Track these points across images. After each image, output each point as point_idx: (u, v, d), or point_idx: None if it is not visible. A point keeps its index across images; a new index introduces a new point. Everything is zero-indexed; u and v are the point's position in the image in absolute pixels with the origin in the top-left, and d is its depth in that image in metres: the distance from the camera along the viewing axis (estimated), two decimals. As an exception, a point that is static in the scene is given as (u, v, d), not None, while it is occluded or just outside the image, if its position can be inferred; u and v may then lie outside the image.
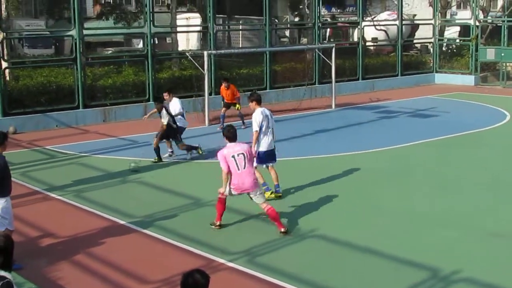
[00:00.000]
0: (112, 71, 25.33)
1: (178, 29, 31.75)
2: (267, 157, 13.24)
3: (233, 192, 11.40)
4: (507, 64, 32.80)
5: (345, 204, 13.15)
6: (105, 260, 10.21)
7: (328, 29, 39.44)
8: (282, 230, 11.21)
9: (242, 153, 11.20)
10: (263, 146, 13.11)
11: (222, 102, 21.74)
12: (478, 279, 9.38)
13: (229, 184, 11.26)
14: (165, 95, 17.76)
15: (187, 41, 36.68)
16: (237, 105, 21.45)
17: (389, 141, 19.01)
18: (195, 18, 35.10)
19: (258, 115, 13.01)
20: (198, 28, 31.63)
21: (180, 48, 31.49)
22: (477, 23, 33.13)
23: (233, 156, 11.16)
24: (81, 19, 22.87)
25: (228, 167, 11.12)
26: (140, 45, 33.32)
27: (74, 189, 14.21)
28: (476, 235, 11.25)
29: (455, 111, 24.89)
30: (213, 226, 11.54)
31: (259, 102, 13.29)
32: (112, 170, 15.74)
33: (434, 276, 9.47)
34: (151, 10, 24.31)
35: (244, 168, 11.16)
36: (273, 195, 13.22)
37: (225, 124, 21.35)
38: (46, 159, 17.38)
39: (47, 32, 34.77)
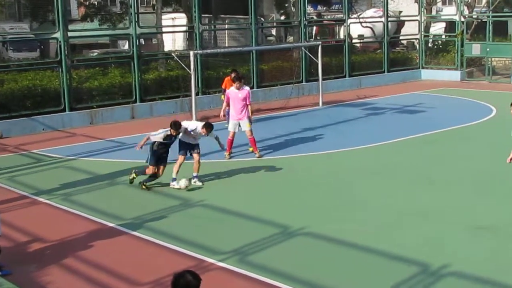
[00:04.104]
0: (98, 73, 25.19)
1: (164, 29, 31.65)
2: None
3: None
4: (493, 59, 32.95)
5: (333, 201, 13.16)
6: (94, 263, 10.16)
7: (314, 27, 39.47)
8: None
9: None
10: None
11: (223, 96, 21.47)
12: (467, 273, 9.42)
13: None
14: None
15: (173, 42, 36.56)
16: None
17: (377, 138, 19.01)
18: (181, 18, 34.97)
19: None
20: (184, 28, 31.54)
21: (166, 49, 31.36)
22: (462, 19, 33.21)
23: None
24: (65, 22, 22.74)
25: None
26: (126, 47, 33.18)
27: (62, 193, 14.13)
28: (463, 229, 11.27)
29: (442, 107, 24.95)
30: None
31: None
32: (100, 173, 15.66)
33: (423, 271, 9.49)
34: (136, 11, 24.23)
35: None
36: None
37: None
38: (33, 163, 17.28)
39: (32, 35, 34.58)
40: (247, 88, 17.31)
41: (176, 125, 14.10)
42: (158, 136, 14.13)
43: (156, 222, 12.00)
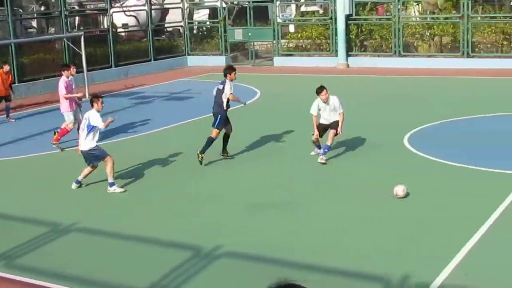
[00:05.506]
0: None
1: None
2: None
3: None
4: (255, 43, 34.14)
5: (105, 194, 12.84)
6: None
7: (77, 17, 38.42)
8: None
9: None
10: None
11: None
12: (239, 252, 9.69)
13: None
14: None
15: None
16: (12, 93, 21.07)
17: (148, 126, 18.97)
18: None
19: None
20: None
21: None
22: (224, 5, 34.04)
23: None
24: None
25: None
26: None
27: None
28: (240, 209, 11.58)
29: (208, 92, 25.27)
30: None
31: None
32: None
33: (196, 254, 9.59)
34: None
35: None
36: None
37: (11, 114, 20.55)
38: None
39: None
40: None
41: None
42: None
43: None
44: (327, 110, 14.35)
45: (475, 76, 26.01)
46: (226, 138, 14.79)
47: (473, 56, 28.84)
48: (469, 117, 18.32)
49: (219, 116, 14.46)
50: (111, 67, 30.35)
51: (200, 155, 14.29)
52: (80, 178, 13.09)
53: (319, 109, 14.41)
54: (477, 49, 29.36)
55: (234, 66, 16.45)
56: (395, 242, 9.91)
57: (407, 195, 11.65)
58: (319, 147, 14.70)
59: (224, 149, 14.89)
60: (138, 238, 10.43)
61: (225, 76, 14.67)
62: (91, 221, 11.27)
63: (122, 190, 12.86)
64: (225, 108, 14.52)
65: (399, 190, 11.64)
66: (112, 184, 12.81)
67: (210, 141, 14.42)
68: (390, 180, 12.96)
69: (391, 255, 9.40)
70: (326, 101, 14.24)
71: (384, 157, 14.66)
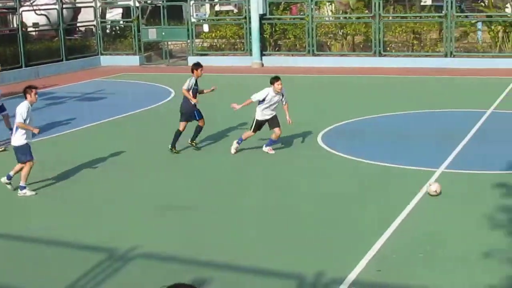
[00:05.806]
0: None
1: None
2: None
3: None
4: (169, 43, 33.91)
5: (22, 199, 12.44)
6: None
7: (-16, 17, 37.32)
8: None
9: None
10: None
11: None
12: (154, 252, 9.59)
13: None
14: None
15: None
16: None
17: (62, 127, 18.56)
18: None
19: None
20: None
21: None
22: (137, 4, 33.68)
23: None
24: None
25: None
26: None
27: None
28: (153, 210, 11.47)
29: (122, 92, 25.13)
30: None
31: None
32: None
33: (110, 256, 9.43)
34: None
35: None
36: None
37: None
38: None
39: None
40: None
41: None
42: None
43: None
44: (272, 102, 14.39)
45: (386, 75, 26.59)
46: (179, 134, 15.05)
47: (384, 55, 29.47)
48: (381, 115, 18.70)
49: (195, 111, 14.96)
50: (21, 67, 29.54)
51: (191, 143, 15.21)
52: (11, 173, 12.66)
53: (262, 101, 14.33)
54: (388, 48, 30.02)
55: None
56: (306, 239, 9.99)
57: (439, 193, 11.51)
58: (239, 142, 14.76)
59: (173, 145, 15.05)
60: (51, 241, 10.18)
61: (192, 72, 14.99)
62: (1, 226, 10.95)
63: (33, 193, 12.51)
64: (193, 103, 14.91)
65: (433, 187, 11.52)
66: (23, 188, 12.44)
67: (199, 129, 15.21)
68: (300, 178, 13.13)
69: (303, 253, 9.47)
70: (279, 92, 14.31)
71: (296, 156, 14.78)
